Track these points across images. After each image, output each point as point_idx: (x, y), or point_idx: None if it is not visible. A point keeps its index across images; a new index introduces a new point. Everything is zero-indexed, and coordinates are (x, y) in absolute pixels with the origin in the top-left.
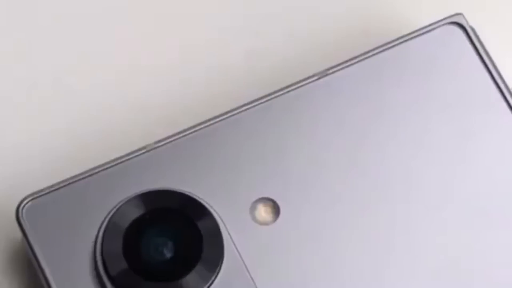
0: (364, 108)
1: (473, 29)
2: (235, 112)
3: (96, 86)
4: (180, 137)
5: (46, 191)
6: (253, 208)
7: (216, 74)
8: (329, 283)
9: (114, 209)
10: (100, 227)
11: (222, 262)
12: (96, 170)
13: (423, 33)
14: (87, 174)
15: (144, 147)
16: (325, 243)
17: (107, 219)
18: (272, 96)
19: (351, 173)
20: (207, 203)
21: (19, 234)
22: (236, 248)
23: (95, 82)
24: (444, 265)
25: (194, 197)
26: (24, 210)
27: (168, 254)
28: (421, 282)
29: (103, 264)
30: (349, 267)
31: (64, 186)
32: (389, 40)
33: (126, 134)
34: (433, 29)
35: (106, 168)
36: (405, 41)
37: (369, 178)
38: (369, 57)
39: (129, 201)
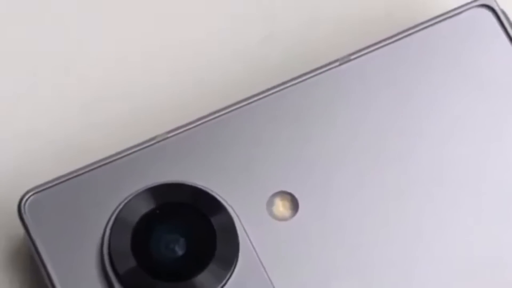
0: (389, 95)
1: (503, 12)
2: (251, 100)
3: (105, 74)
4: (192, 127)
5: (50, 184)
6: (270, 202)
7: (231, 61)
8: (352, 283)
9: (122, 204)
10: (107, 223)
11: (237, 260)
12: (103, 162)
13: (451, 16)
14: (93, 167)
15: (154, 138)
16: (347, 240)
17: (114, 214)
18: (291, 83)
19: (376, 163)
20: (221, 197)
21: (21, 230)
22: (252, 245)
23: (104, 70)
24: (476, 258)
25: (208, 190)
26: (26, 205)
27: (179, 252)
28: (453, 278)
29: (110, 262)
30: (373, 265)
31: (69, 179)
32: (415, 23)
33: (135, 124)
34: (462, 11)
35: (114, 160)
36: (433, 24)
37: (396, 168)
38: (394, 41)
39: (138, 195)
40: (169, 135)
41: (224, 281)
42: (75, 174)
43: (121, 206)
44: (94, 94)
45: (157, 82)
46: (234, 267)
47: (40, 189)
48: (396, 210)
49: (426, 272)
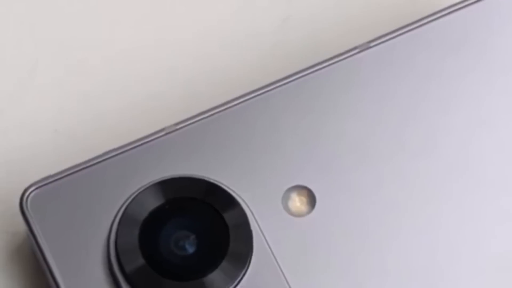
0: (410, 84)
1: None
2: (266, 89)
3: (112, 63)
4: (204, 118)
5: (54, 178)
6: (286, 197)
7: (245, 48)
8: (372, 283)
9: (130, 199)
10: (114, 219)
11: (250, 258)
12: (109, 155)
13: (476, 1)
14: (99, 160)
15: (163, 129)
16: (366, 237)
17: (122, 210)
18: (308, 71)
19: (398, 156)
20: (234, 191)
21: (23, 227)
22: (267, 242)
23: (109, 59)
24: (503, 255)
25: (220, 184)
26: (28, 200)
27: (190, 249)
28: (477, 276)
29: (117, 260)
30: (394, 264)
31: (74, 172)
32: (439, 8)
33: (143, 115)
34: None
35: (121, 153)
36: (457, 9)
37: (419, 161)
38: (416, 27)
39: (146, 189)
40: (178, 126)
41: (237, 280)
42: (80, 167)
43: (128, 201)
44: (99, 84)
45: (165, 70)
46: (248, 266)
47: (43, 184)
48: (419, 206)
49: (450, 270)
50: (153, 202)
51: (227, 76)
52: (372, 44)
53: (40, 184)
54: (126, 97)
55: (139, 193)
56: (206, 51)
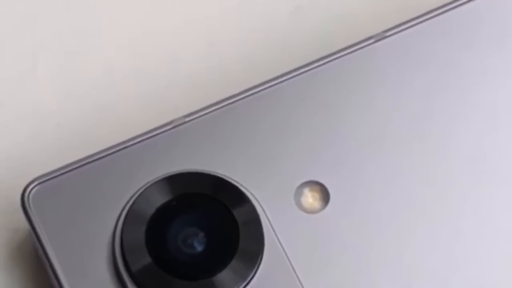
0: (428, 76)
1: None
2: (278, 81)
3: (119, 51)
4: (212, 111)
5: (56, 173)
6: (298, 193)
7: (255, 39)
8: (387, 283)
9: (136, 195)
10: (119, 216)
11: (261, 257)
12: (115, 149)
13: None
14: (104, 154)
15: (170, 122)
16: (382, 235)
17: (127, 206)
18: (321, 62)
19: (415, 150)
20: (244, 187)
21: (24, 224)
22: (279, 240)
23: (114, 48)
24: None
25: (229, 180)
26: (30, 196)
27: (198, 247)
28: (497, 276)
29: (122, 258)
30: (410, 263)
31: (77, 167)
32: None
33: (150, 107)
34: None
35: (127, 147)
36: None
37: (436, 155)
38: (434, 16)
39: (153, 185)
40: (187, 119)
41: (247, 280)
42: (83, 162)
43: (134, 198)
44: (103, 75)
45: (174, 59)
46: (259, 264)
47: (45, 179)
48: (437, 201)
49: (467, 269)
50: (160, 198)
51: (237, 67)
52: (388, 33)
53: (42, 179)
54: (131, 88)
55: (146, 188)
56: (214, 40)
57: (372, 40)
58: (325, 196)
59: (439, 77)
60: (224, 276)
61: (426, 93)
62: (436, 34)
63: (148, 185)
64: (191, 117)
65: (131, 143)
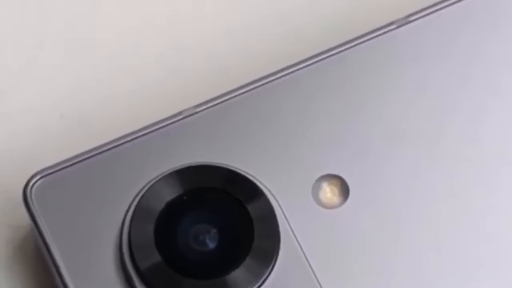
0: (453, 63)
1: None
2: (295, 68)
3: (124, 39)
4: (225, 100)
5: (60, 166)
6: (316, 187)
7: (271, 24)
8: (408, 283)
9: (144, 189)
10: (127, 211)
11: (277, 255)
12: (122, 141)
13: None
14: (110, 146)
15: (180, 113)
16: (405, 231)
17: (135, 202)
18: (340, 49)
19: (439, 142)
20: (259, 181)
21: (26, 220)
22: (295, 236)
23: (122, 35)
24: None
25: (243, 173)
26: (33, 190)
27: (210, 245)
28: None
29: (130, 256)
30: (432, 262)
31: (82, 160)
32: None
33: (158, 97)
34: None
35: (134, 139)
36: None
37: (461, 147)
38: (459, 0)
39: (163, 179)
40: (197, 109)
41: (262, 279)
42: (89, 155)
43: (142, 192)
44: (110, 64)
45: (184, 47)
46: (274, 263)
47: (49, 172)
48: (462, 196)
49: (494, 267)
50: (170, 193)
51: (252, 55)
52: (411, 18)
53: (46, 173)
54: (139, 77)
55: (155, 182)
56: (229, 27)
57: (394, 26)
58: (345, 190)
59: (464, 64)
60: (238, 275)
61: (450, 81)
62: (462, 19)
63: (157, 179)
64: (202, 107)
65: (138, 134)
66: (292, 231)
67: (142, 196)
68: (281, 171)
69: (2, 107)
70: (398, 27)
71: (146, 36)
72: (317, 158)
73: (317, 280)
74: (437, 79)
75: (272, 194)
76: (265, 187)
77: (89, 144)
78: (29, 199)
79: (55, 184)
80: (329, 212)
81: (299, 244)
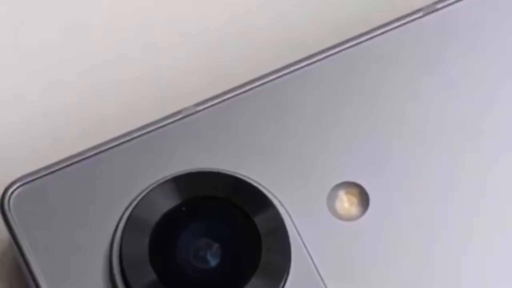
0: (484, 55)
1: None
2: (306, 62)
3: (116, 25)
4: (228, 98)
5: (43, 173)
6: (332, 196)
7: (284, 15)
8: None
9: (138, 198)
10: (118, 223)
11: (288, 272)
12: (113, 144)
13: None
14: (99, 150)
15: (179, 112)
16: (430, 246)
17: (128, 212)
18: (360, 39)
19: (469, 145)
20: (267, 189)
21: (4, 233)
22: (308, 252)
23: (114, 19)
24: None
25: (250, 181)
26: (11, 200)
27: (212, 262)
28: None
29: (121, 274)
30: (460, 281)
31: (68, 166)
32: None
33: (156, 95)
34: None
35: (127, 141)
36: None
37: (495, 151)
38: None
39: (159, 186)
40: (198, 108)
41: None
42: (75, 159)
43: (136, 202)
44: (101, 52)
45: (184, 39)
46: (285, 282)
47: (30, 179)
48: (496, 207)
49: None
50: (167, 203)
51: (258, 51)
52: (438, 6)
53: (26, 180)
54: (134, 70)
55: (150, 191)
56: (232, 22)
57: (420, 14)
58: (364, 200)
59: (497, 56)
60: None
61: (482, 75)
62: (494, 6)
63: (152, 186)
64: (203, 106)
65: (132, 136)
66: (305, 246)
67: (135, 206)
68: (292, 179)
69: None
70: (424, 15)
71: (142, 23)
72: (332, 164)
73: None
74: (467, 73)
75: (282, 205)
76: (274, 196)
77: (75, 148)
78: (7, 210)
79: (37, 192)
80: (346, 224)
81: (313, 261)
